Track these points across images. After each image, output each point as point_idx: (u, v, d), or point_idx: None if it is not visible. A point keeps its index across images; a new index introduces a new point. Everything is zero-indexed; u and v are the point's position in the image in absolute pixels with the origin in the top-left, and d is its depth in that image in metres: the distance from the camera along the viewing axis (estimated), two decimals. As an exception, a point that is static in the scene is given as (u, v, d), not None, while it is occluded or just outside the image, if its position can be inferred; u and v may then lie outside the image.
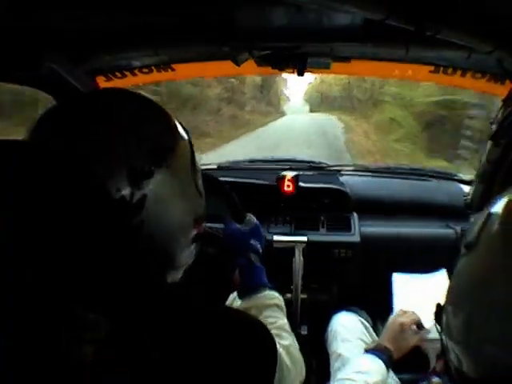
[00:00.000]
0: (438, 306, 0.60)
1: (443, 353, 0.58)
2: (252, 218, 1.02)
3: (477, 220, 0.53)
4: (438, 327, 0.60)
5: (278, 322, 0.80)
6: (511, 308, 0.44)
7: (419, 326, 1.10)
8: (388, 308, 1.48)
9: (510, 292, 0.44)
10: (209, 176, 1.09)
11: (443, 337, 0.56)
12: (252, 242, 0.95)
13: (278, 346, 0.65)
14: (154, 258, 0.53)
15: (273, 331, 0.74)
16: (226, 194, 1.06)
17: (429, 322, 1.08)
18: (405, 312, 1.13)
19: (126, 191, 0.48)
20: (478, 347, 0.49)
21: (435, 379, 0.86)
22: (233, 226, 0.98)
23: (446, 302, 0.57)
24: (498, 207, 0.50)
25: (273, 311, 0.84)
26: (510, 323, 0.44)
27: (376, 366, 0.97)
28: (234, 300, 1.03)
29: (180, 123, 0.61)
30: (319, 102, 28.36)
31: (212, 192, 1.24)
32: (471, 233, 0.53)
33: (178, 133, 0.58)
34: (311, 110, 28.04)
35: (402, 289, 1.29)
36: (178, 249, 0.59)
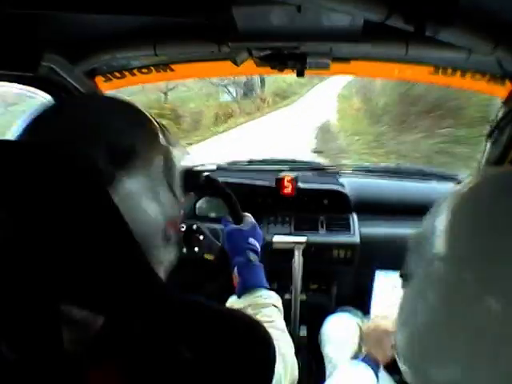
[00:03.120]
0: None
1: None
2: (250, 217, 1.04)
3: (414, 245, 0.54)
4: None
5: (273, 323, 0.80)
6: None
7: None
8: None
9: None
10: (209, 178, 1.10)
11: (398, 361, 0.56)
12: (250, 240, 0.96)
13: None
14: (135, 241, 0.51)
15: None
16: (225, 195, 1.07)
17: None
18: (383, 316, 1.10)
19: None
20: (419, 368, 0.49)
21: None
22: (231, 225, 0.99)
23: (395, 327, 0.56)
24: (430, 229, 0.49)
25: (269, 311, 0.83)
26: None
27: (369, 377, 0.96)
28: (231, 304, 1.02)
29: (157, 122, 0.60)
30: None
31: (212, 193, 1.25)
32: (409, 262, 0.53)
33: (146, 134, 0.57)
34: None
35: (382, 287, 1.27)
36: (149, 250, 0.56)
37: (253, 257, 0.93)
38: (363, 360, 1.00)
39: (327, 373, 1.21)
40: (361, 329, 1.33)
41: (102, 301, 0.44)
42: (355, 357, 1.04)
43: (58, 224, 0.40)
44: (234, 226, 0.99)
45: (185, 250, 1.21)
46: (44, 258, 0.40)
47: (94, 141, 0.50)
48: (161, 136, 0.59)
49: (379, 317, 1.12)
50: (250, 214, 1.05)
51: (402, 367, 0.53)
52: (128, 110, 0.58)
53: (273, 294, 0.89)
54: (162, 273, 0.63)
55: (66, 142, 0.49)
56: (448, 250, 0.44)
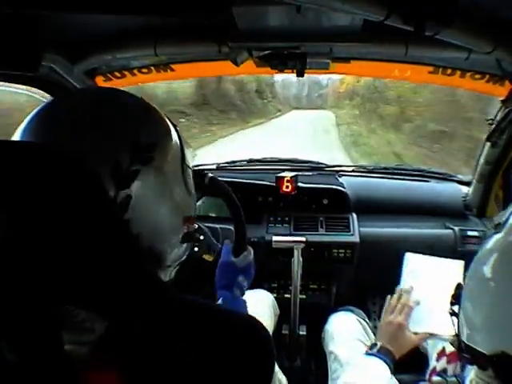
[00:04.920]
0: (459, 285, 0.62)
1: (457, 331, 0.61)
2: (249, 254, 1.00)
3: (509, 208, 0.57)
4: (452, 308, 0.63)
5: None
6: None
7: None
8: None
9: None
10: (215, 180, 1.07)
11: (461, 316, 0.59)
12: (240, 278, 0.95)
13: None
14: (143, 258, 0.52)
15: None
16: (238, 220, 1.02)
17: (435, 308, 1.06)
18: (399, 308, 1.09)
19: (110, 191, 0.48)
20: (498, 327, 0.51)
21: (436, 378, 0.86)
22: (227, 258, 0.97)
23: (467, 283, 0.59)
24: None
25: None
26: None
27: (382, 369, 0.96)
28: None
29: (170, 120, 0.60)
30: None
31: (218, 196, 1.21)
32: (502, 216, 0.57)
33: (166, 132, 0.57)
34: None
35: (412, 269, 1.23)
36: (167, 249, 0.58)
37: (238, 293, 0.93)
38: (378, 354, 1.00)
39: (331, 370, 1.21)
40: (364, 326, 1.34)
41: (105, 303, 0.44)
42: (370, 350, 1.04)
43: (59, 226, 0.40)
44: (230, 258, 0.96)
45: None
46: (44, 259, 0.40)
47: (116, 139, 0.50)
48: (175, 133, 0.59)
49: (403, 291, 1.12)
50: (251, 249, 1.01)
51: (470, 325, 0.56)
52: (144, 106, 0.58)
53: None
54: (171, 272, 0.64)
55: (86, 141, 0.49)
56: None
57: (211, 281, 0.99)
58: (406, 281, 1.20)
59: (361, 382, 0.92)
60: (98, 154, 0.48)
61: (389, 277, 1.53)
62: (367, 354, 1.03)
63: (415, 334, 1.05)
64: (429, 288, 1.14)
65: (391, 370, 0.96)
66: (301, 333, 1.50)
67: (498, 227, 0.57)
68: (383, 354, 1.00)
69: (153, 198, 0.53)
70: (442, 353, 1.01)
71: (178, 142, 0.59)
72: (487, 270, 0.55)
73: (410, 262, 1.23)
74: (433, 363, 1.03)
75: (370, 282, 1.65)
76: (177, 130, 0.60)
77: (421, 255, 1.23)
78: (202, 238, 1.22)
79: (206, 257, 1.20)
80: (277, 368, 0.64)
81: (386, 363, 0.97)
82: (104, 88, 0.82)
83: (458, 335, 0.61)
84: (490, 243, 0.57)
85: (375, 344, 1.04)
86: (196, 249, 1.24)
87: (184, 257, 0.66)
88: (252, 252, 1.01)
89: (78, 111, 0.52)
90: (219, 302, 0.91)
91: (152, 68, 1.35)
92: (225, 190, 1.03)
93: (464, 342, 0.58)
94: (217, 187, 1.03)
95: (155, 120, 0.57)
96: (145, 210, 0.52)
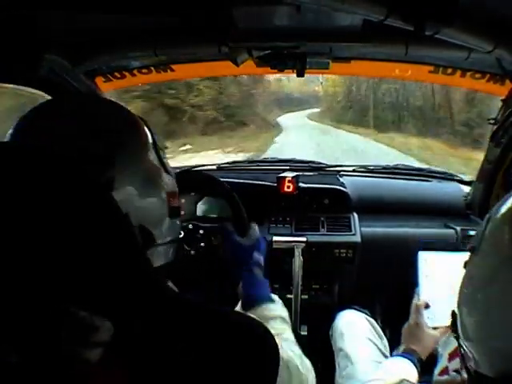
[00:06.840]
0: (453, 313, 0.61)
1: (462, 358, 0.59)
2: (255, 230, 1.00)
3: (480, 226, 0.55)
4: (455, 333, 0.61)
5: (284, 334, 0.79)
6: None
7: (426, 306, 1.07)
8: (388, 308, 1.47)
9: None
10: (219, 182, 1.10)
11: (461, 341, 0.57)
12: (255, 255, 0.94)
13: (292, 354, 0.67)
14: (136, 240, 0.53)
15: (281, 342, 0.74)
16: (233, 202, 1.06)
17: (452, 301, 1.04)
18: (412, 310, 1.08)
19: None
20: (492, 344, 0.50)
21: (452, 373, 0.85)
22: (235, 238, 0.96)
23: (459, 305, 0.58)
24: (498, 209, 0.51)
25: (277, 323, 0.82)
26: None
27: (409, 369, 0.95)
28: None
29: (141, 118, 0.65)
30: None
31: (215, 194, 1.24)
32: (475, 238, 0.55)
33: (133, 121, 0.62)
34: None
35: (427, 268, 1.18)
36: (156, 225, 0.61)
37: (257, 271, 0.92)
38: (402, 354, 1.00)
39: (339, 367, 1.21)
40: (374, 325, 1.34)
41: (106, 303, 0.44)
42: (394, 353, 1.04)
43: (59, 226, 0.40)
44: (237, 239, 0.96)
45: (192, 251, 1.27)
46: (44, 260, 0.40)
47: (89, 138, 0.54)
48: (145, 127, 0.64)
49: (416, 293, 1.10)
50: (255, 224, 1.01)
51: (470, 349, 0.54)
52: (116, 109, 0.63)
53: (278, 306, 0.88)
54: (173, 250, 0.68)
55: (62, 142, 0.51)
56: None
57: (213, 278, 0.99)
58: (422, 280, 1.17)
59: (389, 380, 0.91)
60: (74, 146, 0.52)
61: (390, 276, 1.54)
62: (393, 355, 1.03)
63: (435, 328, 1.04)
64: (445, 284, 1.12)
65: (418, 370, 0.96)
66: (302, 333, 1.49)
67: (474, 250, 0.56)
68: (408, 353, 0.99)
69: (132, 181, 0.57)
70: (454, 353, 1.00)
71: (146, 129, 0.63)
72: (472, 298, 0.54)
73: (424, 261, 1.21)
74: (444, 363, 1.02)
75: (371, 281, 1.65)
76: (145, 122, 0.65)
77: (434, 253, 1.21)
78: (201, 231, 1.28)
79: (215, 241, 1.28)
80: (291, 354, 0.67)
81: (413, 363, 0.97)
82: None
83: (463, 361, 0.60)
84: (471, 268, 0.57)
85: (398, 347, 1.04)
86: (202, 244, 1.27)
87: (177, 233, 0.70)
88: (256, 226, 1.01)
89: (53, 115, 0.57)
90: (240, 285, 0.91)
91: (152, 68, 1.36)
92: (215, 180, 1.08)
93: (471, 367, 0.56)
94: (215, 185, 1.05)
95: (123, 115, 0.62)
96: (129, 194, 0.56)
